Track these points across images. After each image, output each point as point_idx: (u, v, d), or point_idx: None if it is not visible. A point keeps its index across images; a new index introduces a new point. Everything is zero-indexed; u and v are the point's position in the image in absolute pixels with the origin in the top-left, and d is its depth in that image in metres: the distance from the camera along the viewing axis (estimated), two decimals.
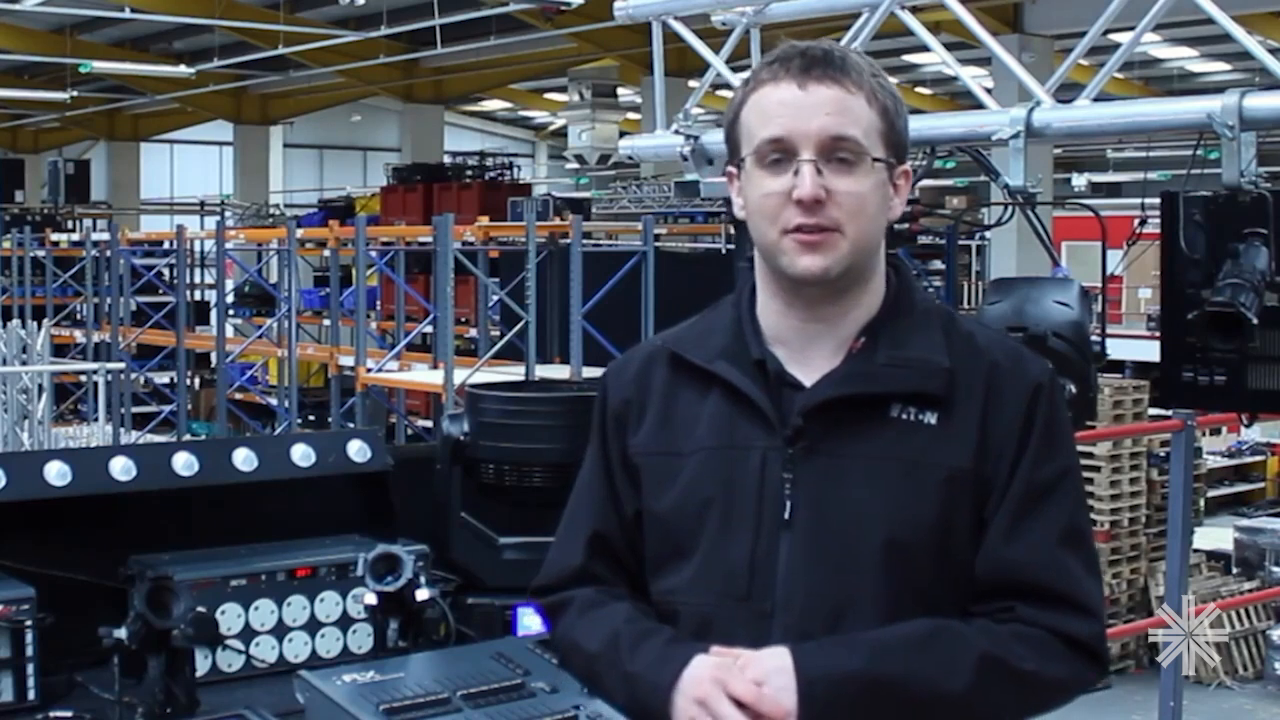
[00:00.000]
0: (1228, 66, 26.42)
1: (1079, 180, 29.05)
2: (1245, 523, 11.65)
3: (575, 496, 2.08)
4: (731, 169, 1.95)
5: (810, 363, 1.90)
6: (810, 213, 1.83)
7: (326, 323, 15.97)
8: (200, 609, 2.68)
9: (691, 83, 5.58)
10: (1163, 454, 9.65)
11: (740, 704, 1.74)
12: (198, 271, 21.67)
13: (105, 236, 19.45)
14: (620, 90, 21.56)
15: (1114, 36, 5.97)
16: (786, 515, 1.86)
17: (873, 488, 1.84)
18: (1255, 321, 3.72)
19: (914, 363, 1.88)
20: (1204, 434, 12.75)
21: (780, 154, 1.85)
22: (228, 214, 25.93)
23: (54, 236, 21.47)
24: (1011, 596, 1.84)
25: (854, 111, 1.85)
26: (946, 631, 1.82)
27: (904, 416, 1.86)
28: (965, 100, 23.19)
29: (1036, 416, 1.88)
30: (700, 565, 1.90)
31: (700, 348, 1.95)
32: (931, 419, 1.86)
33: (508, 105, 35.93)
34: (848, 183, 1.84)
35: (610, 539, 2.01)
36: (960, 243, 16.31)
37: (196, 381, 19.69)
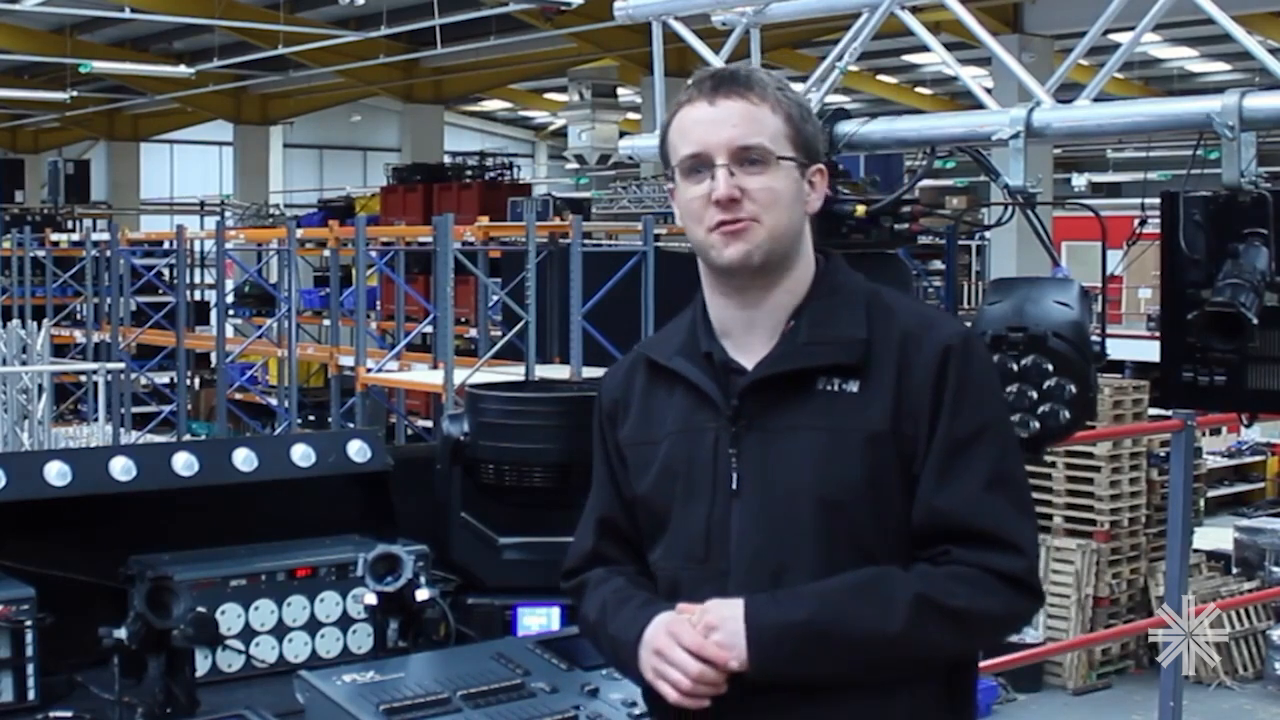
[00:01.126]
0: (1228, 66, 26.43)
1: (1079, 180, 29.06)
2: (1245, 523, 11.65)
3: (591, 489, 2.34)
4: (670, 185, 2.20)
5: (751, 349, 2.14)
6: (727, 210, 2.08)
7: (326, 323, 15.96)
8: (200, 609, 2.68)
9: None
10: (1163, 454, 9.64)
11: (690, 651, 2.00)
12: (198, 271, 21.67)
13: (105, 236, 19.43)
14: (620, 90, 21.55)
15: (1114, 36, 5.97)
16: (734, 486, 2.10)
17: (804, 454, 2.07)
18: (1255, 321, 3.71)
19: (833, 338, 2.10)
20: (1204, 434, 12.76)
21: (699, 165, 2.11)
22: (228, 214, 25.92)
23: (54, 236, 21.44)
24: (945, 540, 2.04)
25: (760, 120, 2.10)
26: (883, 577, 2.02)
27: (829, 388, 2.09)
28: (965, 100, 23.20)
29: (948, 375, 2.07)
30: (670, 535, 2.16)
31: (664, 348, 2.22)
32: (853, 388, 2.08)
33: (508, 105, 35.93)
34: (760, 180, 2.09)
35: (616, 522, 2.27)
36: (960, 243, 16.35)
37: (196, 381, 19.69)
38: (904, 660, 2.01)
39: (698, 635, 2.00)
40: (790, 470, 2.07)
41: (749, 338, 2.14)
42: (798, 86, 4.46)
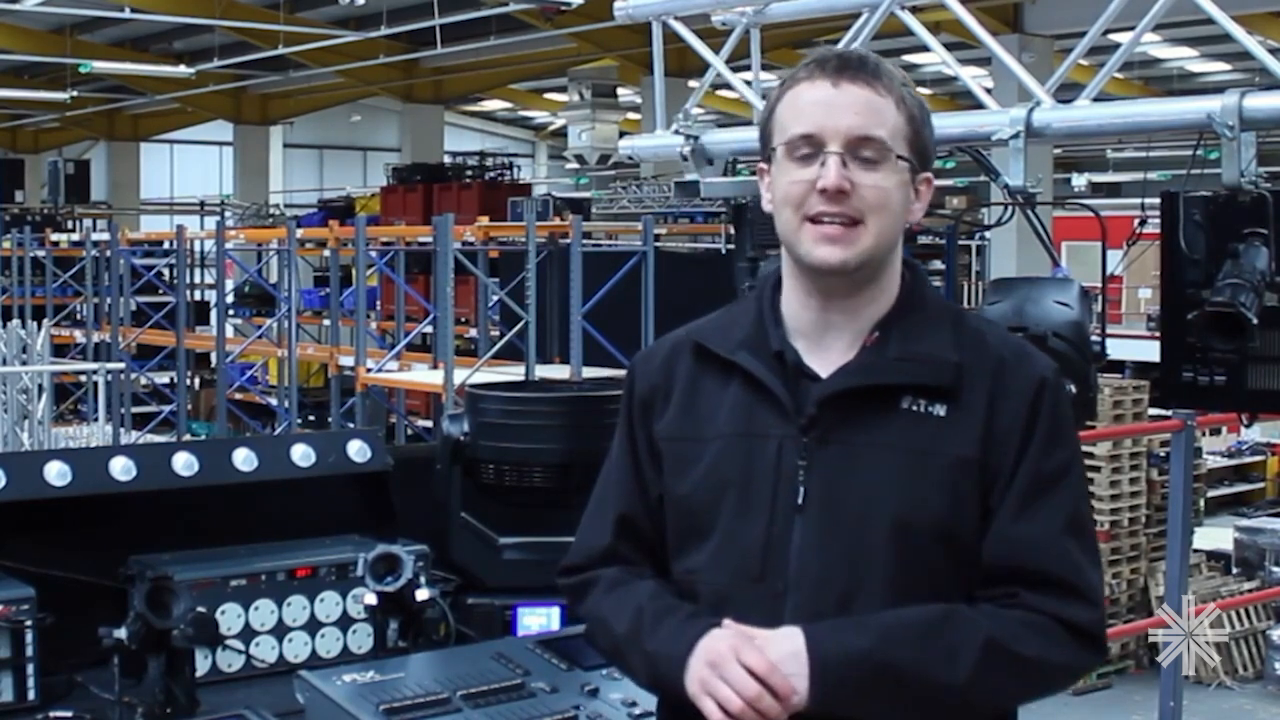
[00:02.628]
0: (1228, 66, 26.42)
1: (1079, 180, 29.03)
2: (1245, 523, 11.64)
3: (602, 480, 2.15)
4: (762, 165, 2.03)
5: (827, 355, 1.98)
6: (833, 202, 1.91)
7: (326, 323, 15.96)
8: (200, 609, 2.68)
9: (691, 83, 5.58)
10: (1163, 454, 9.64)
11: (751, 673, 1.82)
12: (198, 271, 21.67)
13: (105, 236, 19.44)
14: (620, 90, 21.56)
15: (1114, 36, 5.97)
16: (800, 500, 1.93)
17: (883, 474, 1.91)
18: (1255, 321, 3.72)
19: (924, 357, 1.95)
20: (1204, 434, 12.75)
21: (810, 148, 1.93)
22: (228, 214, 25.93)
23: (54, 236, 21.46)
24: (1016, 583, 1.91)
25: (882, 113, 1.94)
26: (955, 617, 1.88)
27: (914, 408, 1.93)
28: (965, 100, 23.18)
29: (1041, 409, 1.95)
30: (717, 546, 1.97)
31: (724, 339, 2.03)
32: (940, 411, 1.93)
33: (508, 105, 35.92)
34: (872, 178, 1.92)
35: (636, 521, 2.08)
36: (960, 243, 16.32)
37: (196, 381, 19.69)
38: (966, 706, 1.87)
39: (763, 658, 1.82)
40: (867, 490, 1.91)
41: (827, 342, 1.98)
42: None
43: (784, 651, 1.83)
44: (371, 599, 2.88)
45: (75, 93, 24.28)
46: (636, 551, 2.08)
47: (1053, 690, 1.98)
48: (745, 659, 1.82)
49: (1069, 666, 1.93)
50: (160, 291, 18.97)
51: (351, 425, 12.98)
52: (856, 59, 1.96)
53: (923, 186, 2.01)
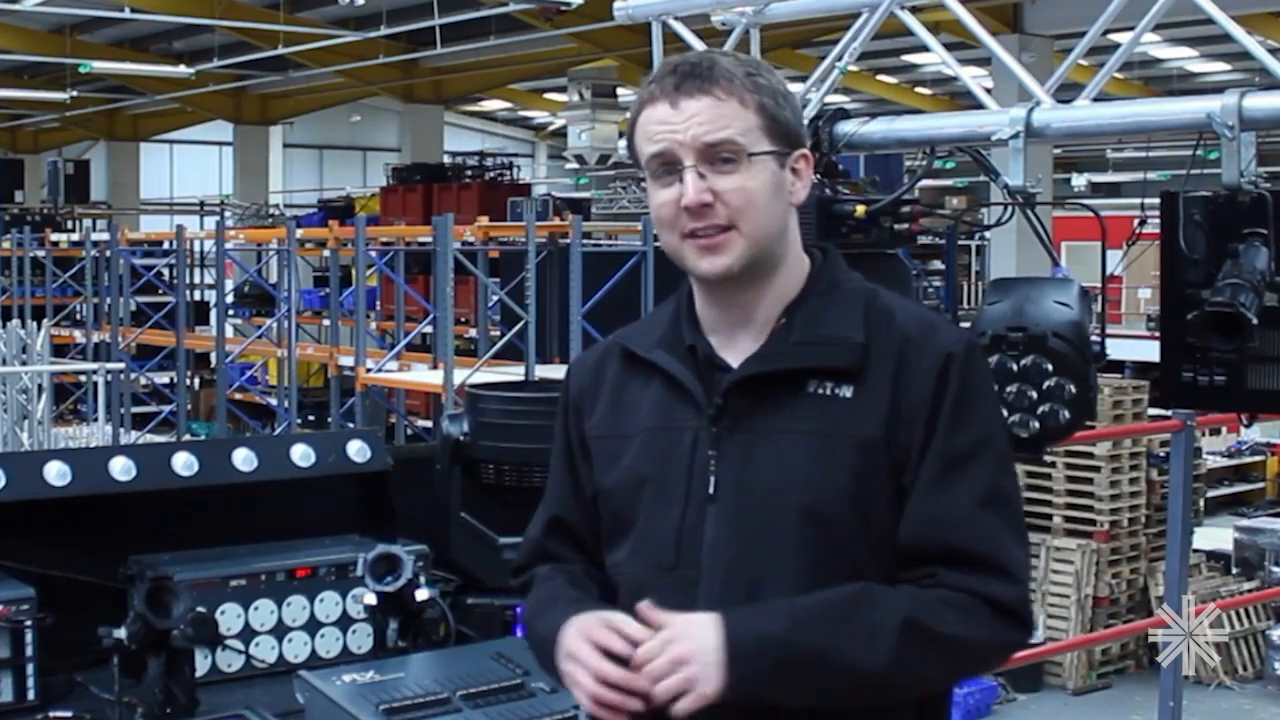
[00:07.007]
0: (1228, 66, 26.43)
1: (1079, 180, 29.06)
2: (1245, 523, 11.65)
3: (548, 482, 2.24)
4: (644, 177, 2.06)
5: (738, 346, 2.02)
6: (699, 217, 1.96)
7: (326, 323, 15.96)
8: (200, 609, 2.68)
9: None
10: (1163, 454, 9.64)
11: (609, 653, 1.86)
12: (198, 271, 21.68)
13: (105, 236, 19.44)
14: (620, 90, 21.55)
15: (1114, 36, 5.97)
16: (711, 490, 1.97)
17: (789, 460, 1.94)
18: (1255, 321, 3.71)
19: (828, 339, 1.97)
20: (1204, 434, 12.76)
21: (666, 167, 1.97)
22: (227, 214, 25.93)
23: (54, 236, 21.44)
24: (934, 562, 1.90)
25: (726, 116, 1.95)
26: (870, 597, 1.88)
27: (820, 391, 1.96)
28: (965, 100, 23.20)
29: (948, 385, 1.94)
30: (636, 538, 2.03)
31: (644, 339, 2.11)
32: (847, 392, 1.95)
33: (508, 105, 35.92)
34: (733, 181, 1.95)
35: (567, 521, 2.16)
36: (960, 243, 16.34)
37: (196, 381, 19.69)
38: (888, 687, 1.87)
39: (613, 635, 1.86)
40: (773, 476, 1.93)
41: (736, 334, 2.02)
42: (797, 87, 4.47)
43: (698, 638, 1.84)
44: (371, 599, 2.89)
45: (75, 93, 24.28)
46: (568, 549, 2.15)
47: (979, 670, 1.99)
48: (598, 639, 1.87)
49: (992, 644, 1.92)
50: (160, 291, 18.96)
51: (351, 425, 12.98)
52: (690, 67, 1.97)
53: (800, 164, 2.02)
